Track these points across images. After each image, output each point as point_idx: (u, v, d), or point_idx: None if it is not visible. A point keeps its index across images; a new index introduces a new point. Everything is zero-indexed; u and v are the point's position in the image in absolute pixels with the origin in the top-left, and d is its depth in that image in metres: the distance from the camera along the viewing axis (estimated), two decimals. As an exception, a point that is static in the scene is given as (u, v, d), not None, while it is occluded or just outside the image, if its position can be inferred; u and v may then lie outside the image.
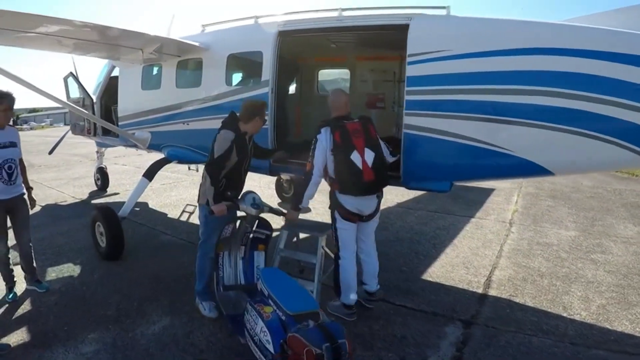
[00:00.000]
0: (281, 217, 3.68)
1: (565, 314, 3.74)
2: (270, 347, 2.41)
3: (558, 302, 3.94)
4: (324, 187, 3.68)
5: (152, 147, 6.02)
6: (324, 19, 4.28)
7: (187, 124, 5.28)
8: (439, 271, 4.70)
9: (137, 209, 6.38)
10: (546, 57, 3.29)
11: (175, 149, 5.55)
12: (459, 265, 4.87)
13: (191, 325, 3.52)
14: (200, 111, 5.11)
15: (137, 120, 6.03)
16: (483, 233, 6.01)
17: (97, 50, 5.07)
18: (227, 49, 4.88)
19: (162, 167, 5.47)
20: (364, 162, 3.28)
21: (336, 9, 4.14)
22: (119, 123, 6.32)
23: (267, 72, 4.41)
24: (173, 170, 7.18)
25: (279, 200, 7.56)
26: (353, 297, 3.56)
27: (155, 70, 5.90)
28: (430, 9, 3.75)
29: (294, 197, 3.62)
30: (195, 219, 6.57)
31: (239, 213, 3.50)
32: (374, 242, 3.76)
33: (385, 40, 4.98)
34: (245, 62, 5.01)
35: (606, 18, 3.59)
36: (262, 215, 3.52)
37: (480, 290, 4.22)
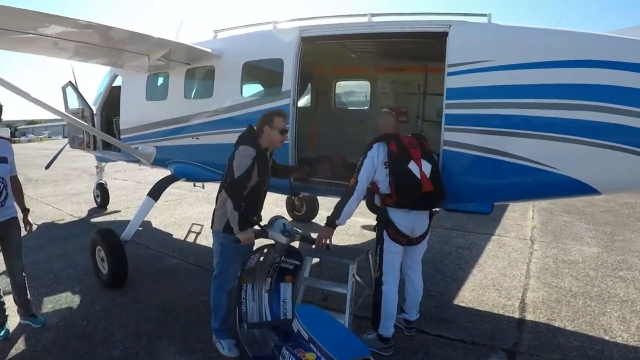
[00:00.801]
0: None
1: (607, 337, 3.58)
2: None
3: (597, 325, 3.79)
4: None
5: (157, 162, 5.59)
6: (353, 25, 3.94)
7: (197, 138, 4.87)
8: (470, 295, 4.43)
9: (140, 228, 5.97)
10: (598, 70, 3.02)
11: (183, 165, 5.11)
12: (489, 287, 4.62)
13: (210, 367, 3.15)
14: (212, 124, 4.69)
15: (140, 134, 5.61)
16: (506, 252, 5.76)
17: (98, 55, 4.60)
18: (242, 56, 4.50)
19: (168, 185, 5.05)
20: (422, 172, 3.07)
21: (365, 14, 3.83)
22: (121, 136, 5.90)
23: (288, 82, 4.05)
24: (177, 187, 6.78)
25: (291, 219, 7.22)
26: (392, 328, 3.27)
27: (161, 80, 5.51)
28: (470, 16, 3.46)
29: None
30: (203, 240, 6.24)
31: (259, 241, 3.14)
32: (421, 270, 3.49)
33: (411, 50, 4.68)
34: (263, 71, 4.63)
35: None
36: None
37: (516, 315, 4.00)
